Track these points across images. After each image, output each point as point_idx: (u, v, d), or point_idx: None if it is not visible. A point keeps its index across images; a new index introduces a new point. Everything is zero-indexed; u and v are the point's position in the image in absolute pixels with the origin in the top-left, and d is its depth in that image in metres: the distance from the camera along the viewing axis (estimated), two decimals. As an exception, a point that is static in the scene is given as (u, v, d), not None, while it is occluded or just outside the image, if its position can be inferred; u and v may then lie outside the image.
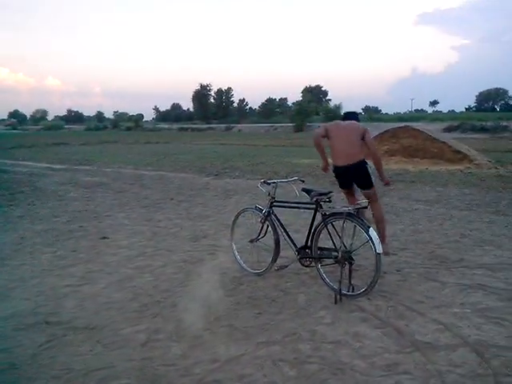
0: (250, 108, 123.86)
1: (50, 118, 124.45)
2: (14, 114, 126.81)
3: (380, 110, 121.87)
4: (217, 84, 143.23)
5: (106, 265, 5.27)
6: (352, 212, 4.19)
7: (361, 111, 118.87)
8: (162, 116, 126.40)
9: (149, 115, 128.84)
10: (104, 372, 3.04)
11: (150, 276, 4.90)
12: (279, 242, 4.77)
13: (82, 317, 3.88)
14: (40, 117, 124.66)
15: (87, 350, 3.33)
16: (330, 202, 4.52)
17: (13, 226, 7.32)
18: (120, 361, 3.18)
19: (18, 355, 3.27)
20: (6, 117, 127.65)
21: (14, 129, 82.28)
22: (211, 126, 78.56)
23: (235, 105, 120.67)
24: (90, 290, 4.51)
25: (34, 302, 4.19)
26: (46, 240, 6.38)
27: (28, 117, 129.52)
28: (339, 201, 6.15)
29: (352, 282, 4.14)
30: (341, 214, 4.23)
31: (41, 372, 3.06)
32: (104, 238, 6.45)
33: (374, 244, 3.98)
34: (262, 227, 4.91)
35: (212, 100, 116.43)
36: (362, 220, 4.16)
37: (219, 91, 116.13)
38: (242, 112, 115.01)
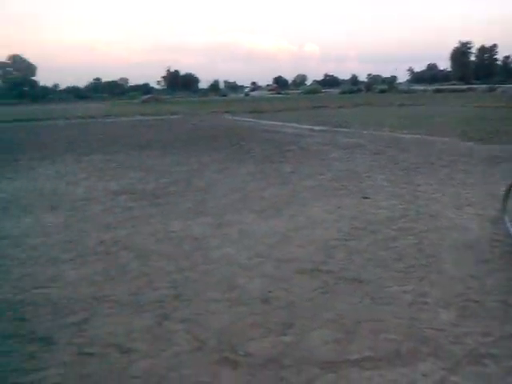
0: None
1: (308, 82, 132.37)
2: (278, 80, 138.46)
3: None
4: (478, 41, 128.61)
5: (368, 223, 5.47)
6: None
7: None
8: (417, 77, 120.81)
9: (402, 77, 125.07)
10: (373, 324, 3.20)
11: (413, 239, 4.87)
12: None
13: (350, 269, 4.15)
14: (300, 82, 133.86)
15: (356, 301, 3.55)
16: None
17: (285, 180, 8.20)
18: (388, 316, 3.29)
19: (296, 295, 3.69)
20: (270, 82, 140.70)
21: (279, 93, 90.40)
22: (471, 86, 71.72)
23: (499, 63, 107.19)
24: (356, 245, 4.76)
25: (308, 251, 4.65)
26: (314, 195, 6.94)
27: (289, 82, 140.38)
28: None
29: None
30: None
31: (317, 314, 3.37)
32: (365, 197, 6.67)
33: None
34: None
35: (473, 58, 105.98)
36: None
37: (482, 48, 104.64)
38: (509, 71, 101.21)
